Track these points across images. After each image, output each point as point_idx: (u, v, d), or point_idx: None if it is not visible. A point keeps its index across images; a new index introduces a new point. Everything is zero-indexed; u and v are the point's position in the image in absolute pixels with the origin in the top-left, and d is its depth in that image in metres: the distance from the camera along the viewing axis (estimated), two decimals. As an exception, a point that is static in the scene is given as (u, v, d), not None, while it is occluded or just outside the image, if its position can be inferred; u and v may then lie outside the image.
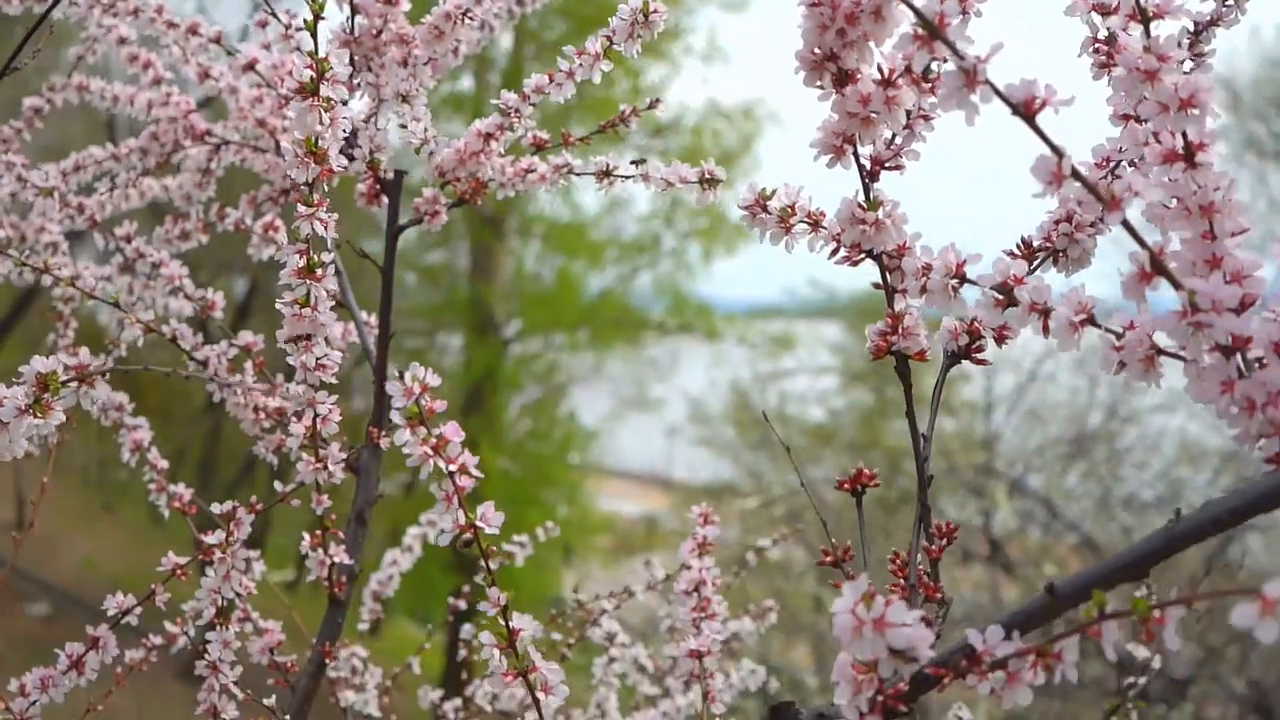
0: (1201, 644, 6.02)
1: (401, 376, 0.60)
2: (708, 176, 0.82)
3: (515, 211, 11.85)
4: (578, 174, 0.96)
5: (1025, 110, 0.50)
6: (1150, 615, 0.45)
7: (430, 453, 0.61)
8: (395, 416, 0.61)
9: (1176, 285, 0.50)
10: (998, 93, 0.50)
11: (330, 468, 0.89)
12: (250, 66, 1.00)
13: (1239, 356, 0.51)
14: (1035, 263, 0.68)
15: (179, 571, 0.91)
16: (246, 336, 1.05)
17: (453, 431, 0.62)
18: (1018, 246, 0.68)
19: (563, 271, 11.93)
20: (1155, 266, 0.51)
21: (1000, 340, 0.67)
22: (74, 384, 0.65)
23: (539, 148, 0.98)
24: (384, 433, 0.96)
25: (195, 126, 1.18)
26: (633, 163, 0.94)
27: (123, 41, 1.19)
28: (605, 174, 0.94)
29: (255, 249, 1.20)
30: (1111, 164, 0.68)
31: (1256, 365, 0.52)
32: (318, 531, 0.95)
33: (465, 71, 9.79)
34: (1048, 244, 0.68)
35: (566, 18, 9.61)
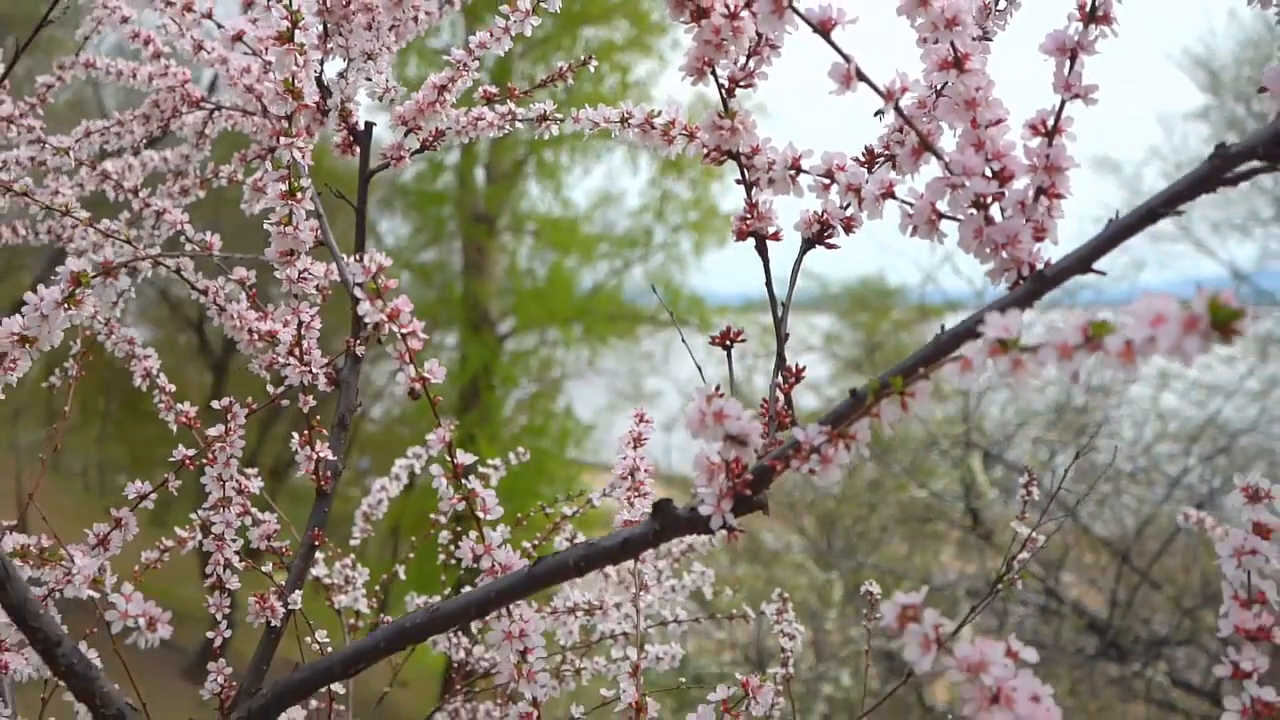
0: (1177, 607, 6.20)
1: (360, 259, 0.76)
2: (626, 116, 0.98)
3: (507, 209, 12.01)
4: (520, 120, 1.12)
5: (823, 28, 0.66)
6: (902, 392, 0.61)
7: (386, 319, 0.77)
8: (358, 291, 0.77)
9: (939, 157, 0.67)
10: (800, 15, 0.66)
11: (315, 371, 1.05)
12: (238, 38, 1.16)
13: (989, 211, 0.67)
14: (876, 165, 0.84)
15: (188, 462, 1.07)
16: (240, 271, 1.20)
17: (404, 303, 0.78)
18: (863, 152, 0.84)
19: (555, 267, 12.08)
20: (924, 144, 0.67)
21: (848, 229, 0.83)
22: (100, 278, 0.81)
23: (488, 100, 1.14)
24: (362, 341, 1.11)
25: (191, 94, 1.34)
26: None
27: (125, 20, 1.35)
28: (543, 119, 1.10)
29: (247, 204, 1.36)
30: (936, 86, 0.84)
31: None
32: (305, 431, 1.11)
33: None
34: (886, 150, 0.84)
35: (553, 15, 9.78)
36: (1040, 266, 0.65)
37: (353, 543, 1.54)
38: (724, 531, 0.71)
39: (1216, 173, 0.60)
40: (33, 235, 1.54)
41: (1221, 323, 0.43)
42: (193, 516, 1.23)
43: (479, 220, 11.46)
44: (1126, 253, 8.27)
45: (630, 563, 1.49)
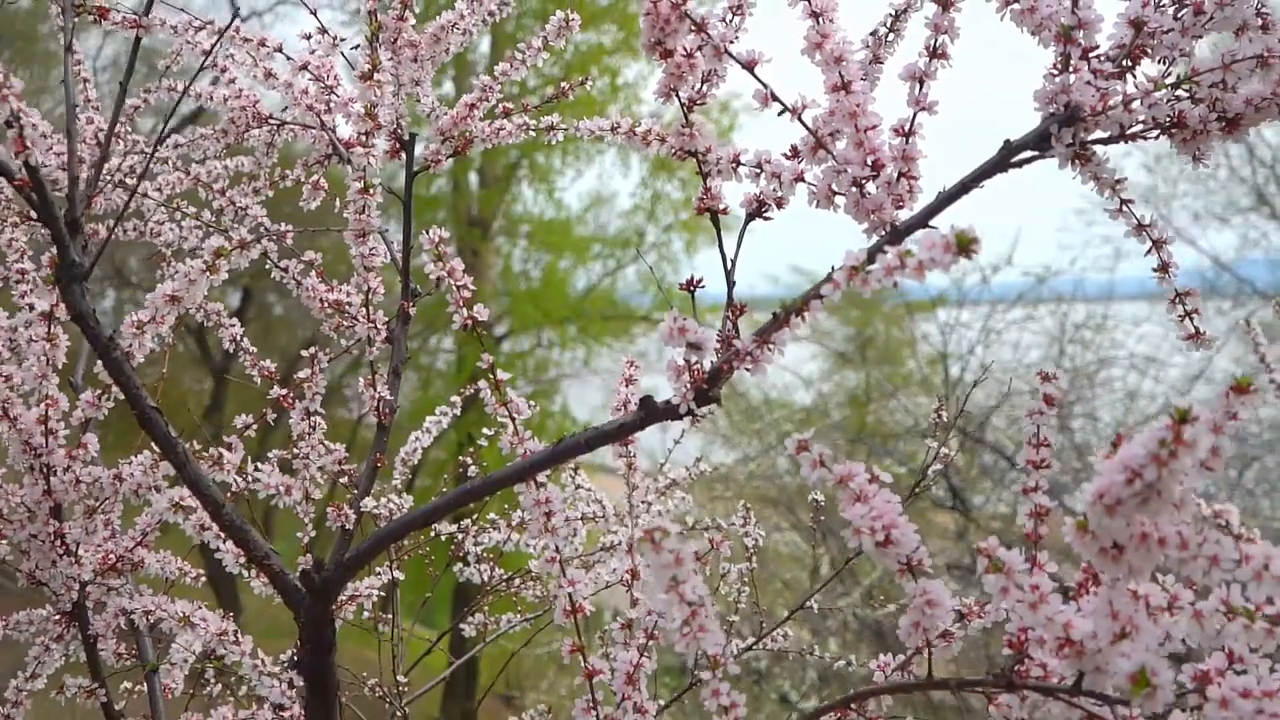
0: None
1: (426, 232, 1.07)
2: (615, 125, 1.28)
3: (501, 212, 12.31)
4: (533, 130, 1.43)
5: (748, 65, 0.97)
6: (800, 307, 0.91)
7: (445, 275, 1.08)
8: (424, 256, 1.08)
9: (829, 152, 0.98)
10: (732, 56, 0.97)
11: (379, 326, 1.36)
12: (304, 66, 1.47)
13: (866, 188, 0.98)
14: (799, 158, 1.14)
15: (283, 400, 1.38)
16: (310, 254, 1.51)
17: (458, 262, 1.09)
18: (789, 149, 1.15)
19: (549, 268, 12.38)
20: (818, 143, 0.98)
21: (779, 206, 1.14)
22: (236, 250, 1.12)
23: (506, 114, 1.45)
24: (411, 304, 1.42)
25: (261, 112, 1.64)
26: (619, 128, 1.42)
27: (206, 53, 1.65)
28: (552, 128, 1.42)
29: (305, 200, 1.66)
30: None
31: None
32: (368, 375, 1.42)
33: (447, 76, 10.26)
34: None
35: (539, 21, 10.10)
36: (897, 224, 0.96)
37: (394, 483, 1.85)
38: (689, 419, 1.02)
39: (1004, 159, 0.91)
40: (121, 232, 1.84)
41: (963, 246, 0.74)
42: (270, 455, 1.54)
43: (473, 224, 11.76)
44: (1109, 244, 8.59)
45: (625, 496, 1.79)
